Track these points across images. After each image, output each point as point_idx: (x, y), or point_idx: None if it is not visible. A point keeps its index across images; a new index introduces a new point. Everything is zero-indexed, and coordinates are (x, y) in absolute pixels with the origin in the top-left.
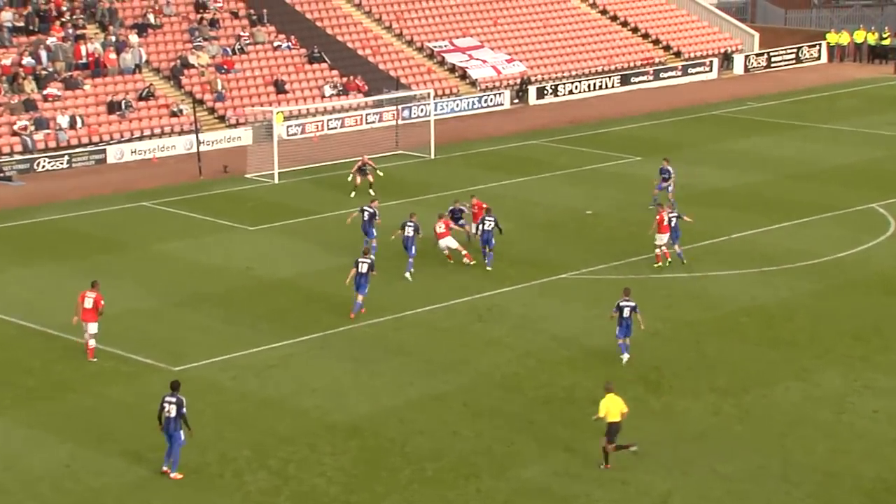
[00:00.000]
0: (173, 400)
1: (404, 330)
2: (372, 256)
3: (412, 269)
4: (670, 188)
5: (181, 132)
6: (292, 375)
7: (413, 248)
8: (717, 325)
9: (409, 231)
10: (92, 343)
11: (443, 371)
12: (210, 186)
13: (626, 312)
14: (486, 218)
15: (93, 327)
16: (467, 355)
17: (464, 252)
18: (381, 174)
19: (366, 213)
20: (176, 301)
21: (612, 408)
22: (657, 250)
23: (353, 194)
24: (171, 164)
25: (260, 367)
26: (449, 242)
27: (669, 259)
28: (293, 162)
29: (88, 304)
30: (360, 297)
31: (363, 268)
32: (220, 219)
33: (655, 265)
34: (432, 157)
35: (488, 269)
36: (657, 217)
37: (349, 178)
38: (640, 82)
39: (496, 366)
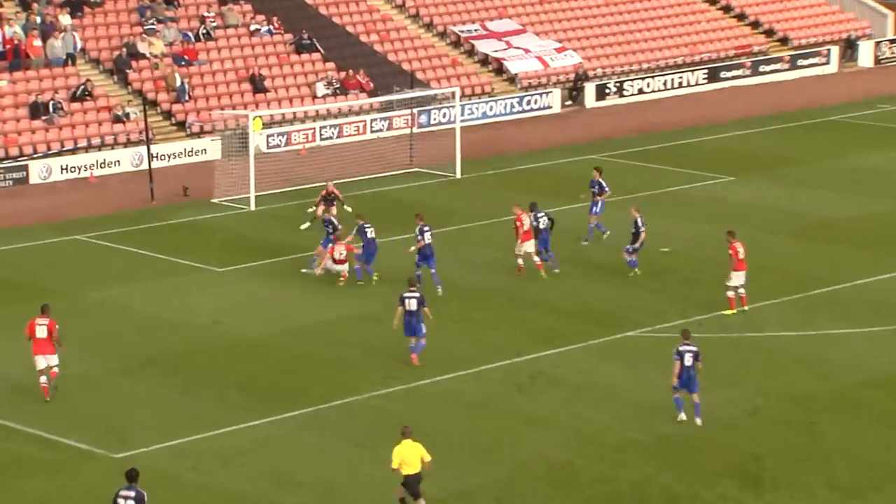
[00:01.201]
0: (132, 495)
1: (420, 403)
2: (420, 288)
3: (440, 285)
4: (597, 208)
5: (127, 143)
6: (271, 464)
7: (434, 258)
8: (835, 400)
9: (428, 237)
10: (45, 381)
11: (471, 459)
12: (165, 214)
13: (688, 360)
14: (538, 215)
15: (53, 359)
16: (503, 437)
17: (537, 259)
18: (348, 209)
19: (368, 231)
20: (119, 366)
21: (409, 457)
22: (518, 260)
23: (305, 225)
24: (113, 186)
25: (228, 454)
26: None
27: (543, 271)
28: (275, 182)
29: (42, 332)
30: (417, 340)
31: (412, 304)
32: (178, 257)
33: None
34: (458, 175)
35: (556, 271)
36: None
37: (309, 210)
38: (733, 78)
39: (541, 453)
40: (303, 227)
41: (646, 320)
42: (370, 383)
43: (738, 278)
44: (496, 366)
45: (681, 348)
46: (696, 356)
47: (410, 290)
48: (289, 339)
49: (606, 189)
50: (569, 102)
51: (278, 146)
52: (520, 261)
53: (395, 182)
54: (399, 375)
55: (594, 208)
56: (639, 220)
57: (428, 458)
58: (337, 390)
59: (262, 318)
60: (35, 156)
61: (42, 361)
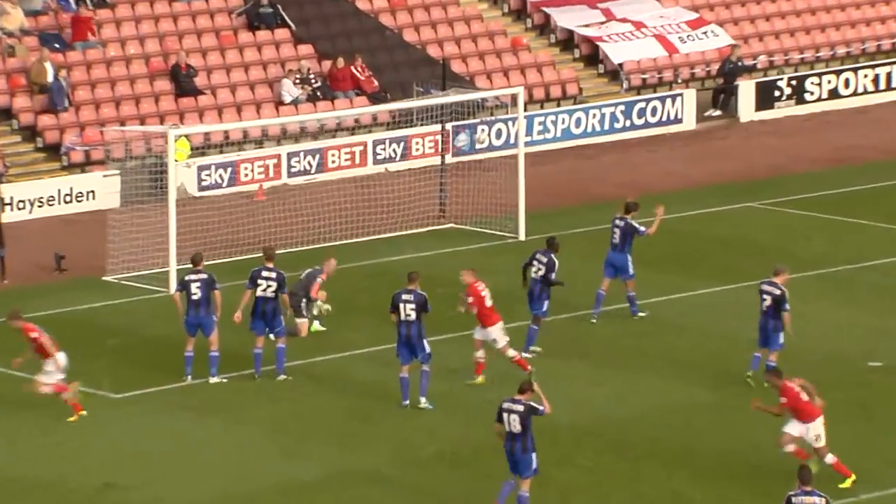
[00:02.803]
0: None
1: None
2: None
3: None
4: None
5: None
6: None
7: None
8: None
9: (411, 314)
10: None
11: None
12: (25, 302)
13: None
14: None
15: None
16: None
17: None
18: (328, 309)
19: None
20: None
21: None
22: (477, 354)
23: (317, 326)
24: None
25: None
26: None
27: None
28: (211, 249)
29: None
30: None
31: (514, 424)
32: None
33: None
34: (521, 237)
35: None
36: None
37: (320, 304)
38: None
39: None
40: (315, 327)
41: (864, 484)
42: None
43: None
44: None
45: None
46: None
47: (513, 403)
48: None
49: (643, 230)
50: (712, 112)
51: (218, 186)
52: (479, 354)
53: (416, 247)
54: None
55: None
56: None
57: None
58: None
59: (184, 476)
60: None
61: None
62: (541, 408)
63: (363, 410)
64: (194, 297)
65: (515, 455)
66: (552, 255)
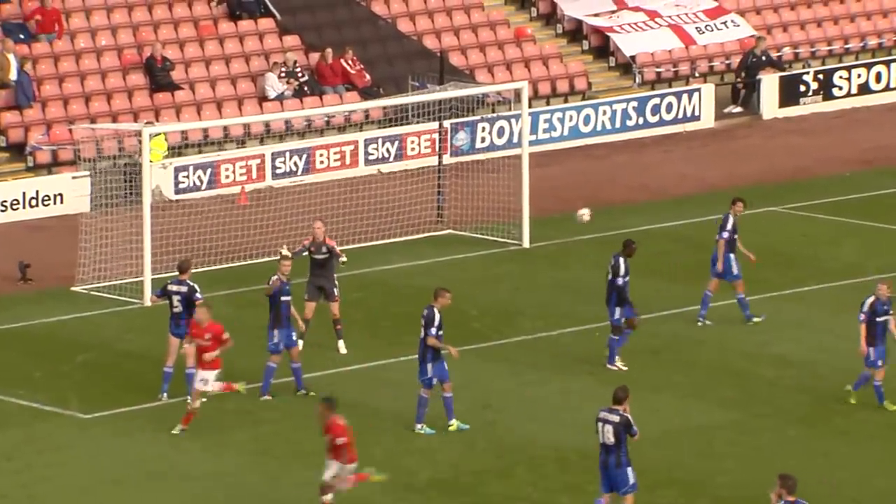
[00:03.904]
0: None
1: None
2: None
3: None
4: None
5: None
6: None
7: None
8: None
9: None
10: None
11: None
12: None
13: None
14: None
15: None
16: None
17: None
18: (343, 260)
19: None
20: None
21: None
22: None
23: (297, 338)
24: None
25: None
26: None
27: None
28: (190, 255)
29: None
30: None
31: (608, 435)
32: (7, 394)
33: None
34: (525, 244)
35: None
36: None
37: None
38: None
39: None
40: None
41: None
42: None
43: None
44: None
45: None
46: None
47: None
48: None
49: (724, 234)
50: (733, 108)
51: (196, 189)
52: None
53: (411, 255)
54: None
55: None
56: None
57: None
58: None
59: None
60: None
61: None
62: (635, 428)
63: (353, 432)
64: (175, 310)
65: (609, 469)
66: (619, 258)
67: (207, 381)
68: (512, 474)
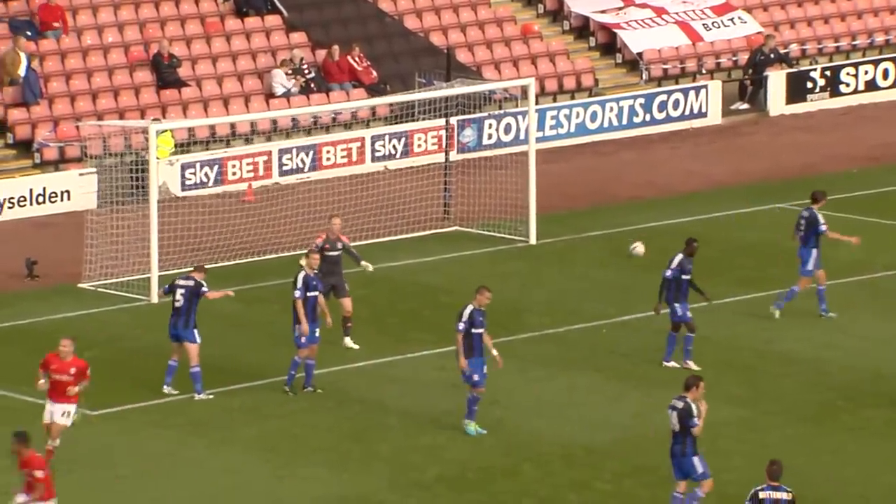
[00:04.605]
0: None
1: None
2: None
3: None
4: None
5: None
6: None
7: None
8: None
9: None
10: None
11: None
12: None
13: None
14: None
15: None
16: None
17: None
18: (368, 268)
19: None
20: None
21: None
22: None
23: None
24: None
25: None
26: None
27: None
28: (196, 253)
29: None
30: None
31: (673, 421)
32: (12, 390)
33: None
34: (531, 240)
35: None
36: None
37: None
38: None
39: None
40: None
41: None
42: None
43: None
44: None
45: None
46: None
47: None
48: None
49: (823, 227)
50: (738, 105)
51: (203, 185)
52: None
53: (417, 252)
54: None
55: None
56: None
57: None
58: None
59: (168, 501)
60: None
61: None
62: (696, 419)
63: (360, 429)
64: (176, 304)
65: (676, 457)
66: (677, 256)
67: (69, 413)
68: (519, 471)
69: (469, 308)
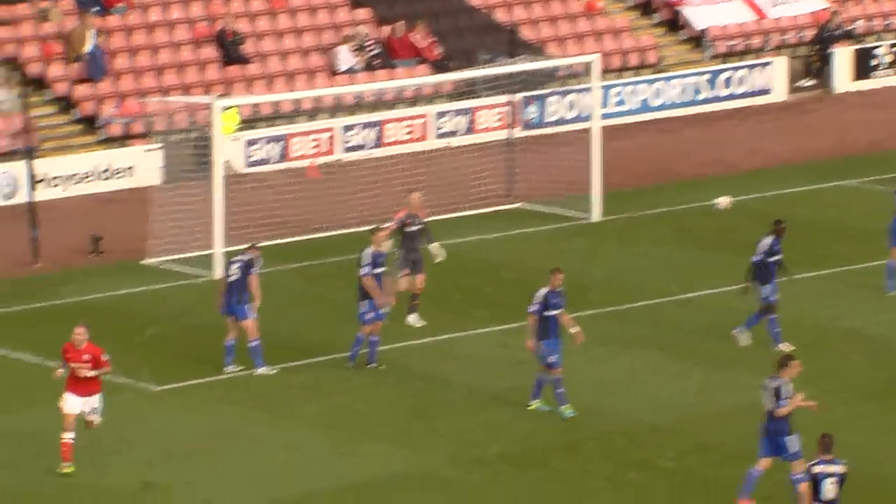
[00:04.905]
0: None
1: None
2: None
3: None
4: None
5: None
6: None
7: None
8: None
9: None
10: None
11: None
12: (56, 288)
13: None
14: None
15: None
16: None
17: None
18: (439, 257)
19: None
20: None
21: None
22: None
23: (385, 308)
24: None
25: None
26: None
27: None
28: (261, 228)
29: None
30: None
31: (767, 400)
32: None
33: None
34: (595, 217)
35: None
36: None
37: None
38: None
39: None
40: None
41: None
42: None
43: None
44: None
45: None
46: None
47: None
48: None
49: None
50: (804, 82)
51: (267, 162)
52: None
53: (480, 228)
54: None
55: None
56: None
57: None
58: None
59: (228, 476)
60: None
61: None
62: (784, 401)
63: (422, 405)
64: (230, 279)
65: (770, 435)
66: (766, 239)
67: (96, 409)
68: (581, 449)
69: (543, 291)
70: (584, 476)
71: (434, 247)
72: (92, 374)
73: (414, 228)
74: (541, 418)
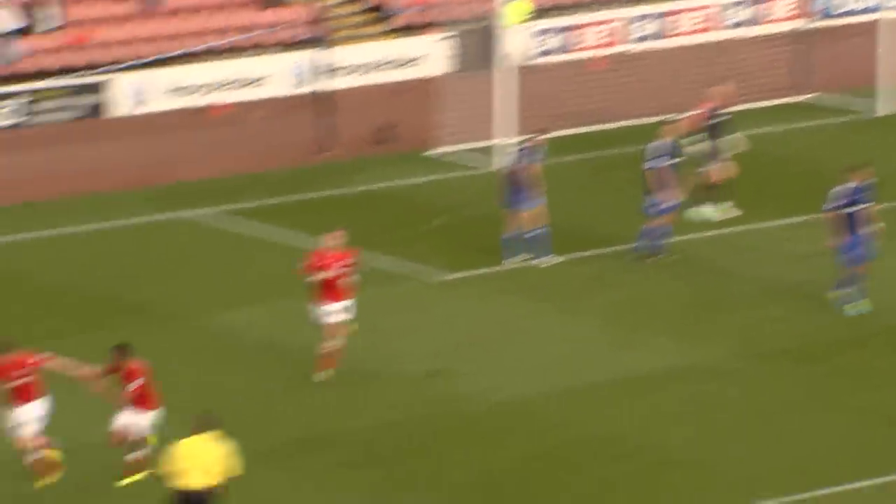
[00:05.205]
0: None
1: None
2: None
3: None
4: None
5: (281, 46)
6: None
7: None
8: None
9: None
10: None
11: None
12: (344, 177)
13: None
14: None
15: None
16: None
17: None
18: (740, 146)
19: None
20: (264, 447)
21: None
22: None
23: (698, 210)
24: (252, 124)
25: None
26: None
27: None
28: (551, 118)
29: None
30: None
31: None
32: (366, 254)
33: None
34: (876, 112)
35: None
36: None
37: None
38: None
39: None
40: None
41: None
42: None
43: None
44: None
45: None
46: None
47: None
48: (566, 406)
49: None
50: None
51: (557, 51)
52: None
53: (767, 121)
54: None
55: None
56: None
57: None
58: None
59: (512, 366)
60: (116, 66)
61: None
62: None
63: (708, 299)
64: (512, 169)
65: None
66: None
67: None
68: (867, 344)
69: (849, 185)
70: (869, 372)
71: (736, 137)
72: (345, 282)
73: (720, 120)
74: (827, 313)
